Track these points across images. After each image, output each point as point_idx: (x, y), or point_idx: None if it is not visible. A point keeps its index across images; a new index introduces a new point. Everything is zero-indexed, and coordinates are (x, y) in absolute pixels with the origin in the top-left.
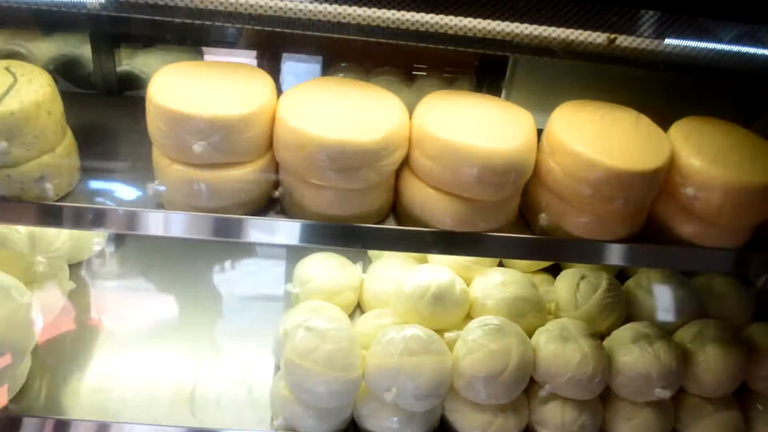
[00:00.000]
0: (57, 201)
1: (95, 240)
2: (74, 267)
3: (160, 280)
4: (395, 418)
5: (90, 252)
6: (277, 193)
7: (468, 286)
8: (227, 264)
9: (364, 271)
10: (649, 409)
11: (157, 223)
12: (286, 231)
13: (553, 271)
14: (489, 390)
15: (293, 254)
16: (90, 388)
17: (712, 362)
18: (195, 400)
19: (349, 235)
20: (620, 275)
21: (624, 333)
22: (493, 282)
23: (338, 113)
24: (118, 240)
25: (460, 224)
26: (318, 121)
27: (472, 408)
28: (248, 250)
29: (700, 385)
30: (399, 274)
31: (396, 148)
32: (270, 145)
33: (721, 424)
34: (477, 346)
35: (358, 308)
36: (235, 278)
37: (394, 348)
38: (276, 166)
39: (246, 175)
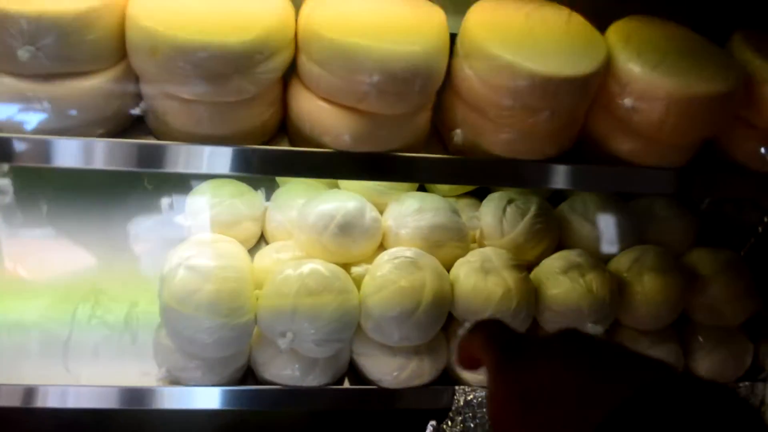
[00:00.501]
0: None
1: None
2: None
3: (38, 221)
4: (296, 366)
5: None
6: (138, 110)
7: (381, 214)
8: (120, 199)
9: (268, 199)
10: None
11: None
12: (147, 156)
13: (480, 195)
14: (401, 331)
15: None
16: None
17: (649, 293)
18: (69, 352)
19: (225, 159)
20: (553, 198)
21: (553, 263)
22: (409, 209)
23: (202, 9)
24: None
25: (359, 143)
26: (175, 19)
27: (383, 351)
28: (139, 181)
29: (636, 318)
30: (304, 201)
31: (275, 51)
32: (125, 49)
33: (659, 356)
34: (386, 282)
35: (263, 241)
36: (127, 215)
37: (289, 287)
38: (136, 77)
39: (94, 87)
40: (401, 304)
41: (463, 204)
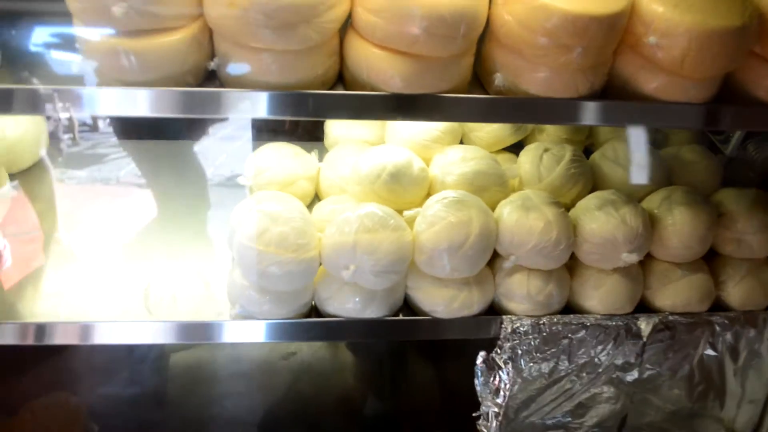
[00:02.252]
0: None
1: (34, 146)
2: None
3: (108, 182)
4: (357, 299)
5: (31, 159)
6: (212, 64)
7: (427, 166)
8: (182, 160)
9: (321, 160)
10: (616, 276)
11: (94, 101)
12: (227, 102)
13: (516, 151)
14: (451, 263)
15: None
16: (42, 293)
17: (679, 225)
18: (150, 299)
19: (293, 103)
20: (586, 152)
21: (589, 201)
22: (453, 158)
23: None
24: (56, 144)
25: (410, 85)
26: None
27: (435, 284)
28: (205, 143)
29: (668, 250)
30: (355, 159)
31: (336, 2)
32: (202, 6)
33: (691, 287)
34: (436, 219)
35: (316, 199)
36: (192, 175)
37: (350, 226)
38: (210, 33)
39: (174, 42)
40: (451, 237)
41: (502, 159)
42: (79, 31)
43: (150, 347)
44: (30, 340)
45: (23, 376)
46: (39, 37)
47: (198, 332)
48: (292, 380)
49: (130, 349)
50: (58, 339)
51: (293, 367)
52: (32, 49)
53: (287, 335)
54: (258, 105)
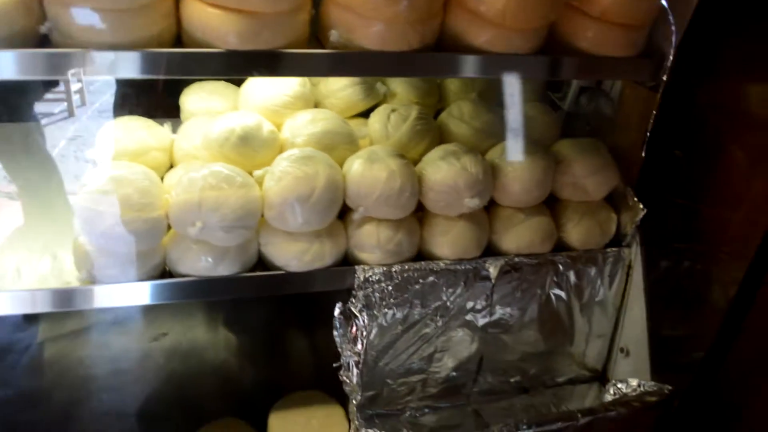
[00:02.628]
0: None
1: None
2: None
3: None
4: (208, 258)
5: None
6: (44, 28)
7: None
8: (27, 141)
9: (175, 131)
10: (463, 222)
11: None
12: (53, 64)
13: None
14: (300, 216)
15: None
16: None
17: (519, 171)
18: None
19: (129, 61)
20: (437, 116)
21: (433, 153)
22: (302, 120)
23: None
24: None
25: (245, 41)
26: None
27: (286, 238)
28: (51, 121)
29: (510, 195)
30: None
31: None
32: None
33: (533, 229)
34: (283, 174)
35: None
36: (39, 155)
37: (194, 185)
38: None
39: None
40: (298, 190)
41: (355, 123)
42: None
43: (14, 344)
44: None
45: None
46: None
47: (53, 299)
48: (166, 361)
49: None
50: None
51: (165, 347)
52: None
53: (140, 297)
54: (97, 66)
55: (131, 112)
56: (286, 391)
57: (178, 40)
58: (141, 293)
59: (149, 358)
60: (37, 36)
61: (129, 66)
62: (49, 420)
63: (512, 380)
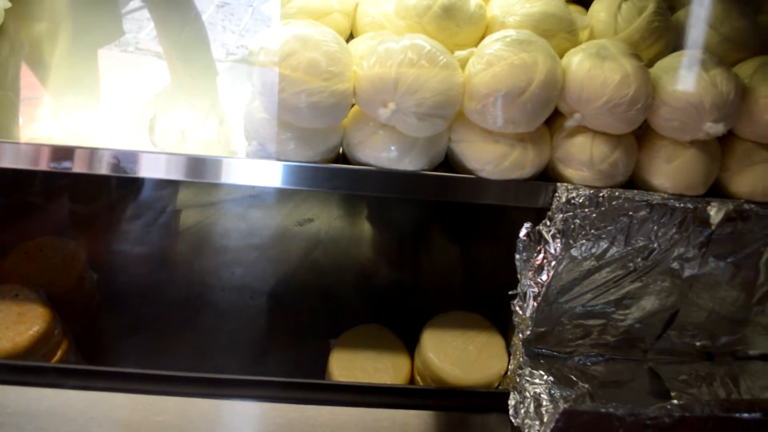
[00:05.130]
0: None
1: None
2: None
3: (133, 15)
4: (393, 147)
5: None
6: None
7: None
8: None
9: None
10: (693, 150)
11: None
12: None
13: (586, 5)
14: (508, 112)
15: None
16: (39, 117)
17: None
18: (156, 131)
19: None
20: None
21: (673, 59)
22: None
23: None
24: None
25: None
26: None
27: (485, 137)
28: None
29: (755, 126)
30: None
31: None
32: None
33: None
34: (495, 59)
35: (351, 39)
36: (225, 17)
37: (392, 58)
38: None
39: None
40: (511, 81)
41: (571, 10)
42: None
43: (156, 199)
44: (25, 163)
45: (19, 214)
46: None
47: (208, 169)
48: (307, 248)
49: (136, 199)
50: (52, 163)
51: (309, 234)
52: None
53: (309, 181)
54: None
55: None
56: (437, 308)
57: None
58: (316, 177)
59: (291, 241)
60: None
61: None
62: (181, 283)
63: (698, 343)
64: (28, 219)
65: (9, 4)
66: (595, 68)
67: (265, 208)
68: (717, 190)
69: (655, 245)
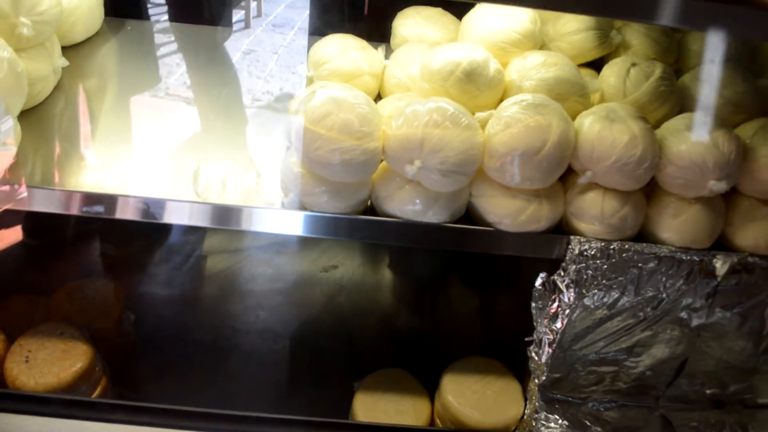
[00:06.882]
0: None
1: (89, 19)
2: (67, 50)
3: (164, 60)
4: (418, 200)
5: (85, 33)
6: None
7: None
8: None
9: (387, 57)
10: (698, 206)
11: None
12: None
13: (598, 69)
14: (524, 171)
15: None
16: (87, 166)
17: None
18: (199, 182)
19: None
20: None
21: (678, 121)
22: (533, 62)
23: None
24: (116, 24)
25: None
26: None
27: (503, 192)
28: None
29: (757, 184)
30: (426, 55)
31: None
32: None
33: None
34: (513, 120)
35: (379, 99)
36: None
37: (419, 119)
38: None
39: None
40: (527, 142)
41: (583, 73)
42: None
43: (190, 244)
44: (75, 210)
45: (62, 257)
46: None
47: (248, 218)
48: (331, 293)
49: (169, 243)
50: (104, 211)
51: (333, 280)
52: None
53: (341, 231)
54: None
55: (337, 27)
56: (456, 353)
57: None
58: (348, 228)
59: (316, 286)
60: None
61: None
62: (205, 325)
63: (708, 391)
64: (70, 260)
65: (67, 63)
66: (604, 130)
67: (291, 254)
68: (722, 244)
69: (664, 295)
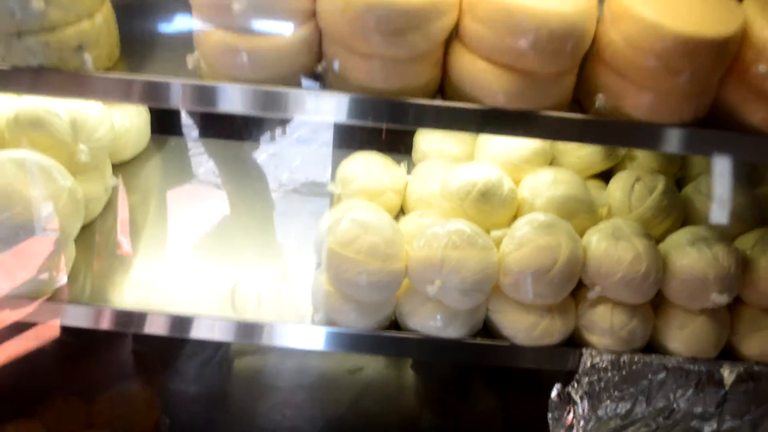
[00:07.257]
0: None
1: (137, 139)
2: (116, 167)
3: (203, 182)
4: (438, 316)
5: (133, 152)
6: (319, 68)
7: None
8: (271, 164)
9: (409, 173)
10: (703, 317)
11: (203, 96)
12: (330, 104)
13: (606, 178)
14: (537, 288)
15: (338, 157)
16: (133, 280)
17: None
18: (236, 297)
19: (395, 110)
20: (676, 185)
21: (680, 236)
22: (544, 180)
23: None
24: (160, 141)
25: (512, 100)
26: None
27: (517, 308)
28: (293, 149)
29: (759, 294)
30: (445, 174)
31: (446, 10)
32: (313, 10)
33: None
34: (525, 241)
35: (401, 213)
36: (279, 180)
37: (438, 241)
38: (319, 37)
39: (286, 44)
40: (538, 261)
41: (590, 185)
42: (197, 24)
43: (221, 347)
44: (126, 327)
45: (105, 363)
46: (158, 27)
47: (283, 335)
48: (356, 396)
49: (201, 347)
50: (148, 328)
51: (359, 382)
52: (150, 39)
53: (370, 347)
54: (355, 109)
55: (360, 141)
56: None
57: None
58: (376, 344)
59: (341, 389)
60: (312, 74)
61: (397, 113)
62: (232, 423)
63: None
64: (106, 361)
65: (117, 183)
66: (610, 247)
67: (318, 356)
68: (729, 352)
69: (675, 405)
